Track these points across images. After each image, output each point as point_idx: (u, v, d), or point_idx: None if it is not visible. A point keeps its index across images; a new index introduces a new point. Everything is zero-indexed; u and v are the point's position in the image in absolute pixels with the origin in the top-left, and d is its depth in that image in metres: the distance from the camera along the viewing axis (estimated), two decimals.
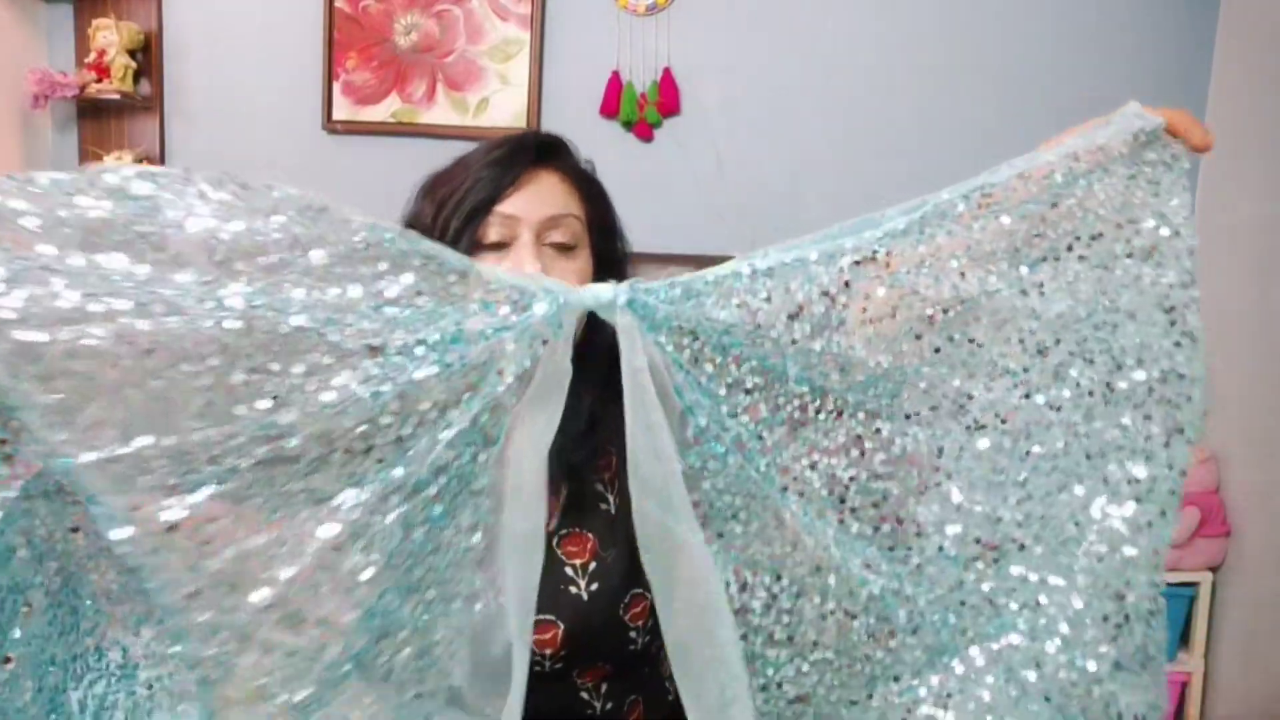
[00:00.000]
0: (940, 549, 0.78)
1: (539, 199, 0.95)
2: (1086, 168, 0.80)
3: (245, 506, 0.72)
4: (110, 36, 2.69)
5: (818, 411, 0.79)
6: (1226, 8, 2.32)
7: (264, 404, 0.72)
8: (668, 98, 2.53)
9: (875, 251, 0.80)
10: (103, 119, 2.84)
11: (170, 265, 0.71)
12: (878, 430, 0.80)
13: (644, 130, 2.56)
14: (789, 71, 2.53)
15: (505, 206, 0.94)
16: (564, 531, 0.98)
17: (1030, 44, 2.42)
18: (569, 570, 0.96)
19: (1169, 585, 2.09)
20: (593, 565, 0.96)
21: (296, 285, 0.72)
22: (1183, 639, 2.16)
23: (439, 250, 0.76)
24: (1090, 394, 0.76)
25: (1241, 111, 2.22)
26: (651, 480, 0.78)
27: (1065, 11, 2.40)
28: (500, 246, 0.94)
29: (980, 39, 2.45)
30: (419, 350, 0.75)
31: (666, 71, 2.54)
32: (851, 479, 0.79)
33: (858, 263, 0.80)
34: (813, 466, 0.80)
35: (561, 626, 0.93)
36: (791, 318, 0.78)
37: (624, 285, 0.80)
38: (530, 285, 0.78)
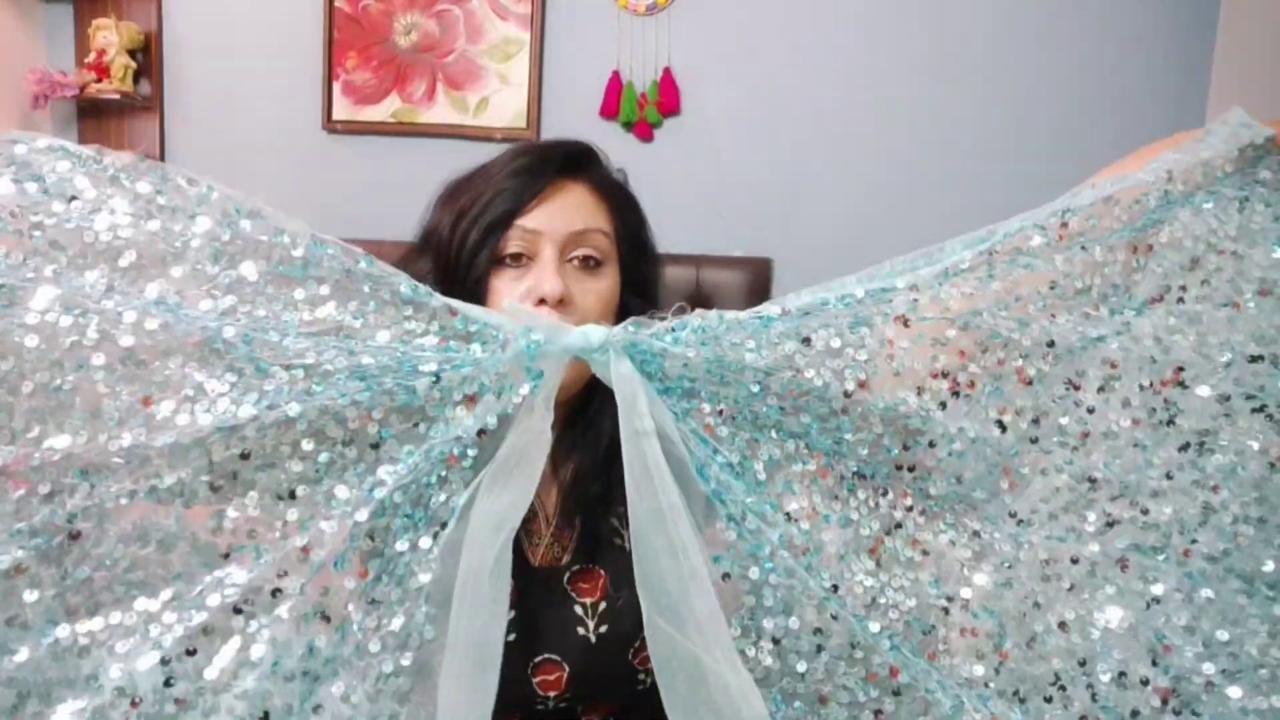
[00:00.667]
0: (1094, 698, 0.55)
1: (564, 213, 0.89)
2: (1186, 189, 0.65)
3: (79, 572, 0.53)
4: (110, 36, 2.69)
5: (893, 508, 0.61)
6: (1226, 8, 2.31)
7: (136, 422, 0.54)
8: (668, 98, 2.53)
9: (937, 288, 0.63)
10: (103, 119, 2.84)
11: (70, 269, 0.57)
12: (976, 533, 0.60)
13: (644, 130, 2.56)
14: (789, 71, 2.53)
15: (527, 220, 0.88)
16: (576, 568, 0.93)
17: (1030, 45, 2.42)
18: (578, 610, 0.90)
19: None
20: (603, 606, 0.91)
21: (216, 303, 0.59)
22: None
23: (393, 275, 0.63)
24: (1244, 468, 0.57)
25: None
26: (666, 588, 0.61)
27: (1065, 13, 2.40)
28: (520, 260, 0.88)
29: (980, 39, 2.44)
30: (351, 383, 0.57)
31: (666, 71, 2.54)
32: (950, 600, 0.59)
33: (916, 301, 0.62)
34: (897, 586, 0.60)
35: (567, 669, 0.89)
36: (841, 368, 0.60)
37: (619, 327, 0.66)
38: (507, 323, 0.64)
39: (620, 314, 0.92)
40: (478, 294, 0.87)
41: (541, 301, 0.85)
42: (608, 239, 0.92)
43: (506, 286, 0.87)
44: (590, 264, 0.90)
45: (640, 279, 0.97)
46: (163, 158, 2.84)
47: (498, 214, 0.87)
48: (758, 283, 2.50)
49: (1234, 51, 2.28)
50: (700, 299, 2.52)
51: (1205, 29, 2.35)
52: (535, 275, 0.87)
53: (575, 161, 0.93)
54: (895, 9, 2.47)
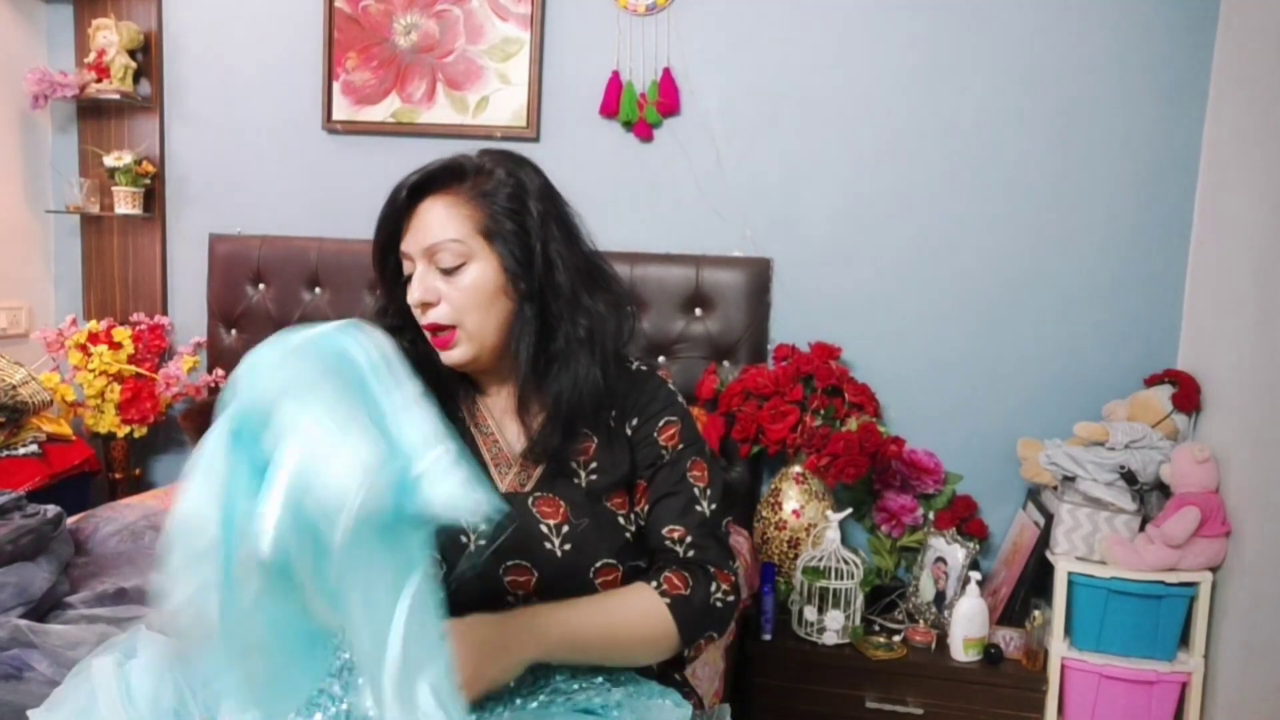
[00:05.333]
0: None
1: (418, 234, 1.08)
2: None
3: None
4: (110, 36, 2.69)
5: None
6: (1226, 8, 2.31)
7: None
8: (668, 98, 2.53)
9: None
10: (103, 119, 2.84)
11: None
12: None
13: (644, 130, 2.56)
14: (789, 71, 2.53)
15: (404, 246, 1.09)
16: (538, 494, 1.11)
17: (1029, 44, 2.42)
18: (543, 528, 1.09)
19: (1169, 585, 2.09)
20: (565, 528, 1.09)
21: None
22: (1183, 639, 2.15)
23: None
24: None
25: (1241, 112, 2.22)
26: None
27: (1065, 12, 2.40)
28: (412, 278, 1.09)
29: (979, 38, 2.44)
30: None
31: (666, 71, 2.54)
32: None
33: None
34: None
35: (536, 574, 1.08)
36: None
37: None
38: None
39: (511, 289, 1.09)
40: (401, 303, 1.11)
41: (423, 305, 1.08)
42: (460, 243, 1.07)
43: (409, 298, 1.09)
44: (448, 270, 1.07)
45: (526, 254, 1.09)
46: (162, 158, 2.84)
47: (379, 250, 1.12)
48: (758, 283, 2.50)
49: (1234, 51, 2.28)
50: (700, 299, 2.52)
51: (1205, 29, 2.35)
52: (412, 285, 1.08)
53: (420, 188, 1.09)
54: (895, 9, 2.47)
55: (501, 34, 2.62)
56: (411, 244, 1.08)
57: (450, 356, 1.09)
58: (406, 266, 1.09)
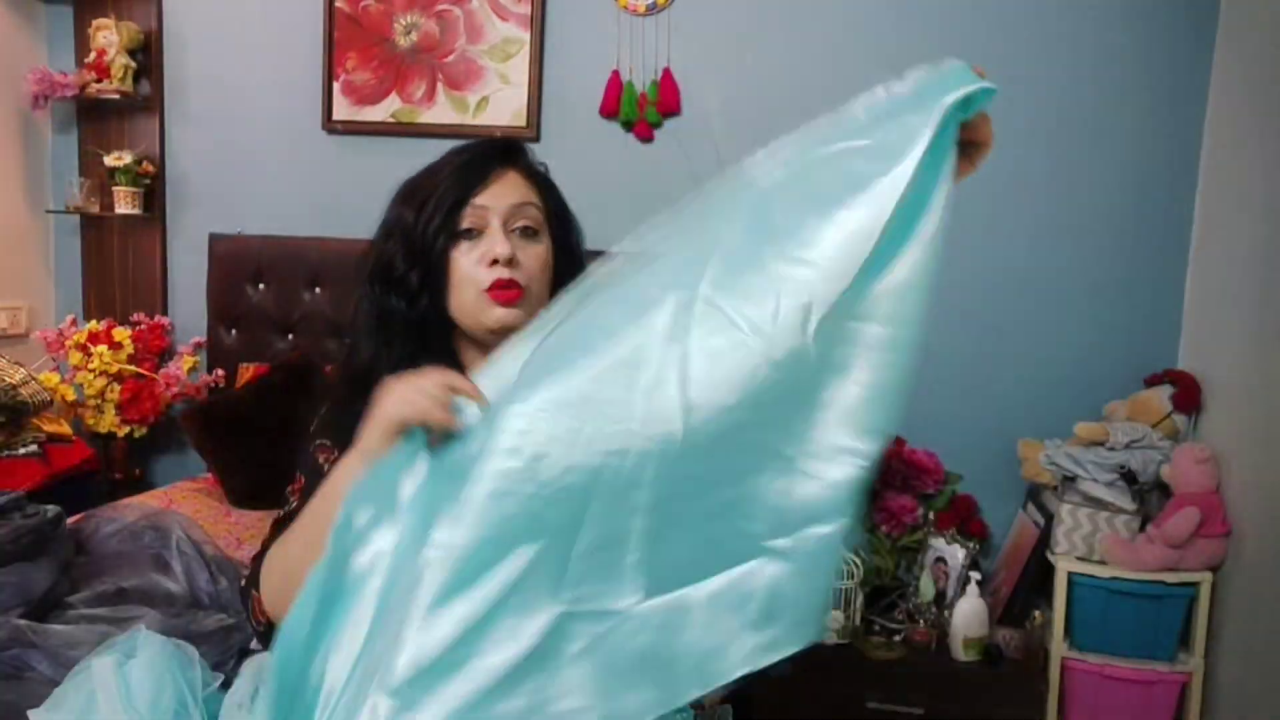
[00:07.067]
0: None
1: (504, 192, 1.09)
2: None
3: None
4: (110, 36, 2.69)
5: None
6: (1226, 8, 2.31)
7: None
8: (668, 98, 2.53)
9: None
10: (103, 119, 2.84)
11: None
12: None
13: (644, 130, 2.56)
14: (789, 71, 2.53)
15: (477, 199, 1.07)
16: None
17: (1030, 44, 2.42)
18: None
19: (1169, 585, 2.09)
20: None
21: None
22: (1183, 639, 2.16)
23: None
24: None
25: (1241, 112, 2.22)
26: None
27: (1065, 13, 2.40)
28: (472, 234, 1.07)
29: (979, 38, 2.44)
30: None
31: (666, 71, 2.54)
32: None
33: None
34: None
35: None
36: None
37: None
38: None
39: (555, 274, 1.11)
40: (441, 265, 1.07)
41: (494, 262, 1.05)
42: (540, 211, 1.11)
43: (464, 256, 1.07)
44: (529, 232, 1.10)
45: (568, 245, 1.16)
46: (163, 158, 2.84)
47: (454, 197, 1.07)
48: None
49: (1234, 51, 2.28)
50: None
51: (1205, 29, 2.35)
52: (487, 242, 1.06)
53: (508, 152, 1.12)
54: (894, 9, 2.47)
55: (501, 34, 2.62)
56: (495, 199, 1.08)
57: (510, 314, 1.06)
58: (470, 220, 1.07)
